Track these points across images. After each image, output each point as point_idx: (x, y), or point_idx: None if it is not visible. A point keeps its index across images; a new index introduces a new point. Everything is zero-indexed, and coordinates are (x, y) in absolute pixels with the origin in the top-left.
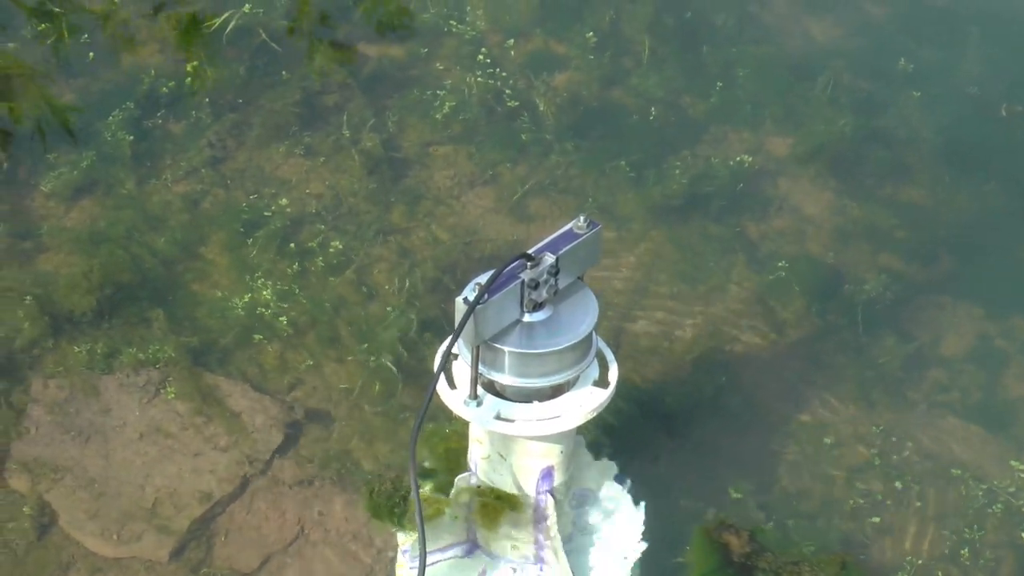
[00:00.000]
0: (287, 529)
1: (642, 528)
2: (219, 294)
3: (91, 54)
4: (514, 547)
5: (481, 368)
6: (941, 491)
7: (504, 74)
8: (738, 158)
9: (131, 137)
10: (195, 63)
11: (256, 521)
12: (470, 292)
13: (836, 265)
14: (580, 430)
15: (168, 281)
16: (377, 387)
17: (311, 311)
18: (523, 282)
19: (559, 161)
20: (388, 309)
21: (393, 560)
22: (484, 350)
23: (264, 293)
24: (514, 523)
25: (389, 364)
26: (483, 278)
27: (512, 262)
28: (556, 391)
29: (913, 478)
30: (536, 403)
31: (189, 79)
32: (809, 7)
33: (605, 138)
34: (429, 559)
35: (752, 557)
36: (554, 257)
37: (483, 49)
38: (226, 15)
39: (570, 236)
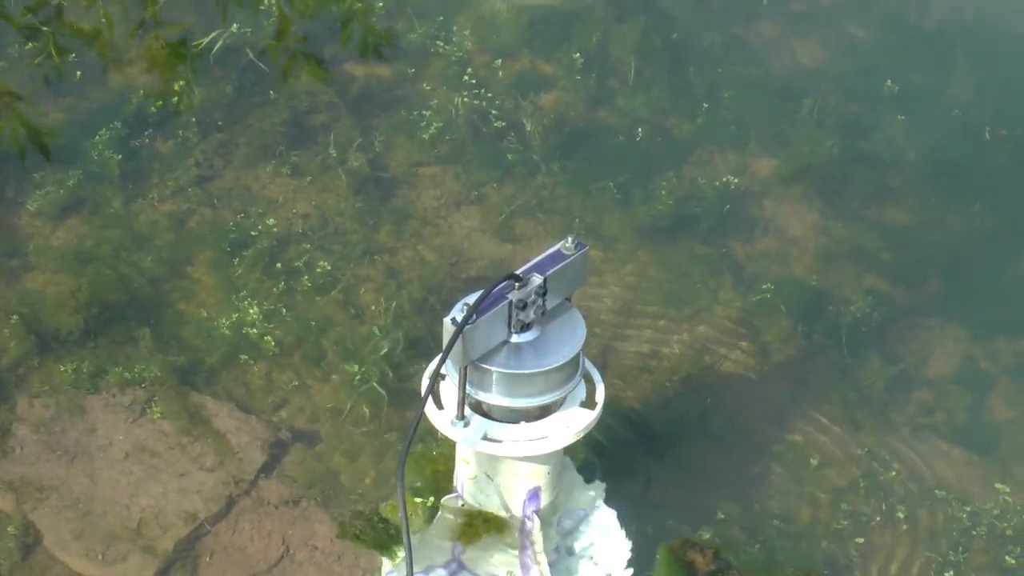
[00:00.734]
0: (272, 550)
1: (629, 554)
2: (205, 313)
3: (78, 73)
4: (500, 568)
5: (468, 388)
6: (926, 513)
7: (490, 95)
8: (724, 179)
9: (119, 156)
10: (182, 83)
11: (241, 541)
12: (458, 312)
13: (821, 286)
14: (568, 451)
15: (155, 300)
16: (363, 407)
17: (297, 331)
18: (511, 303)
19: (546, 181)
20: (374, 329)
21: None
22: (471, 370)
23: (250, 313)
24: (500, 544)
25: (375, 384)
26: (471, 298)
27: (500, 282)
28: (543, 411)
29: (898, 500)
30: (523, 423)
31: (176, 99)
32: (795, 29)
33: (592, 159)
34: None
35: (717, 575)
36: (542, 278)
37: (469, 69)
38: (213, 35)
39: (558, 257)
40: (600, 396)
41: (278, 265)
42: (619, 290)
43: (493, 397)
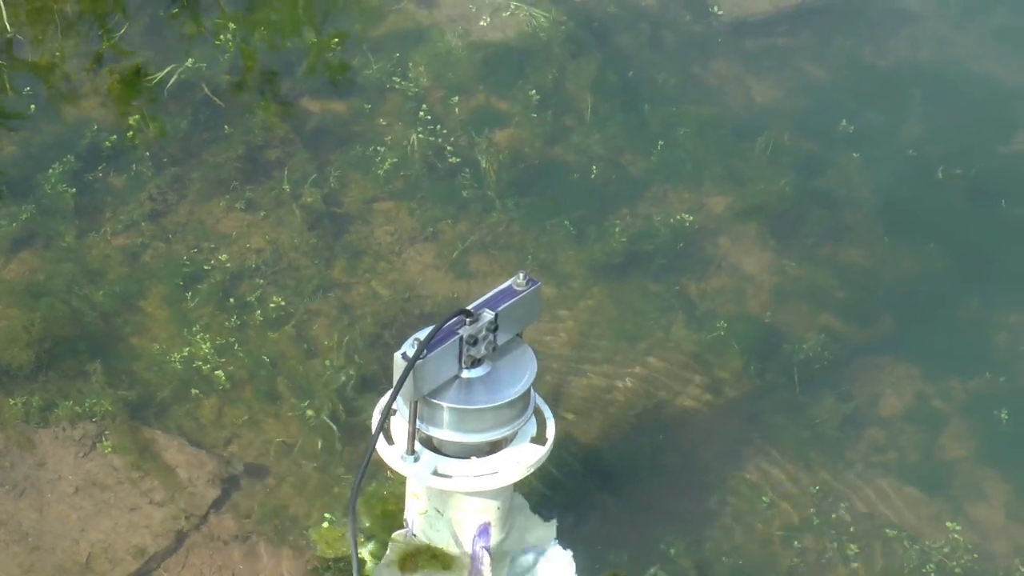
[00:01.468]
0: None
1: None
2: (157, 347)
3: (32, 106)
4: None
5: (419, 424)
6: (877, 551)
7: (446, 131)
8: (679, 216)
9: (72, 190)
10: (137, 117)
11: None
12: (409, 347)
13: (775, 324)
14: (520, 487)
15: (107, 334)
16: (315, 442)
17: (249, 365)
18: (462, 338)
19: (500, 218)
20: (327, 364)
21: None
22: (422, 405)
23: (203, 347)
24: None
25: (327, 419)
26: (422, 334)
27: (451, 318)
28: (494, 447)
29: (849, 538)
30: (474, 459)
31: (131, 133)
32: (750, 68)
33: (546, 195)
34: None
35: None
36: (493, 314)
37: (425, 106)
38: (168, 69)
39: (509, 293)
40: (551, 432)
41: (231, 300)
42: (573, 326)
43: (444, 432)
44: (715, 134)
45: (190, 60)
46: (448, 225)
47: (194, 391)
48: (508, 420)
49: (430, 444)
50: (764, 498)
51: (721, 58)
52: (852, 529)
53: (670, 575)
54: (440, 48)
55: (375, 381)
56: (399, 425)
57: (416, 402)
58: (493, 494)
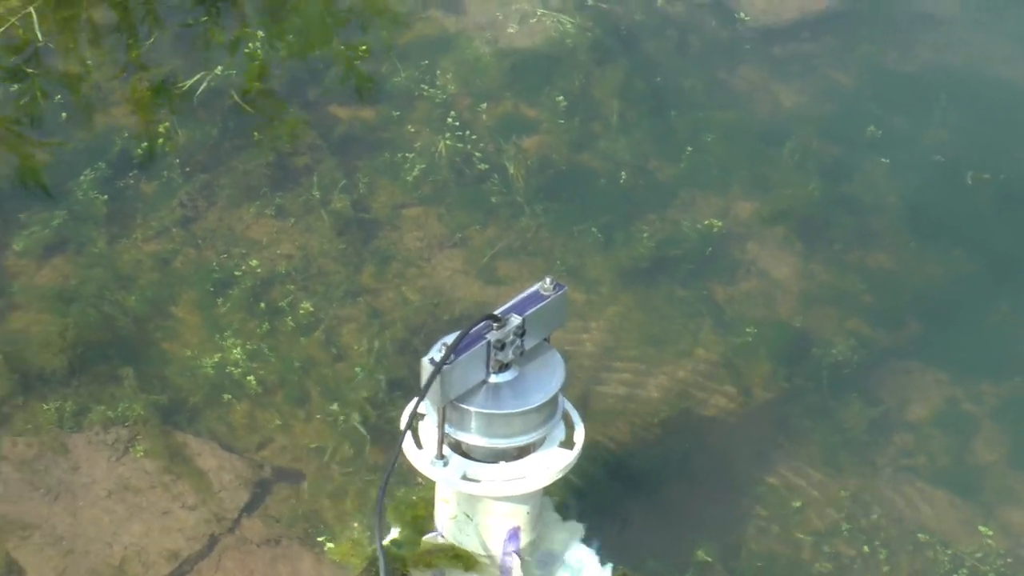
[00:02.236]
0: None
1: None
2: (189, 353)
3: (64, 114)
4: None
5: (447, 428)
6: (908, 556)
7: (474, 137)
8: (706, 222)
9: (104, 196)
10: (167, 124)
11: None
12: (436, 352)
13: (803, 329)
14: (548, 491)
15: (138, 339)
16: (345, 447)
17: (280, 370)
18: (489, 343)
19: (528, 224)
20: (357, 369)
21: None
22: (450, 410)
23: (234, 352)
24: None
25: (357, 424)
26: (449, 339)
27: (478, 323)
28: (522, 452)
29: (880, 543)
30: (503, 463)
31: (161, 140)
32: (777, 74)
33: (574, 201)
34: None
35: None
36: (520, 318)
37: (453, 112)
38: (197, 77)
39: (536, 298)
40: (580, 436)
41: (262, 305)
42: (600, 333)
43: (472, 437)
44: (742, 139)
45: (219, 68)
46: (476, 231)
47: (226, 396)
48: (536, 425)
49: (459, 449)
50: (794, 503)
51: (748, 64)
52: (883, 534)
53: None
54: (468, 55)
55: (405, 386)
56: (428, 430)
57: (444, 407)
58: (522, 498)
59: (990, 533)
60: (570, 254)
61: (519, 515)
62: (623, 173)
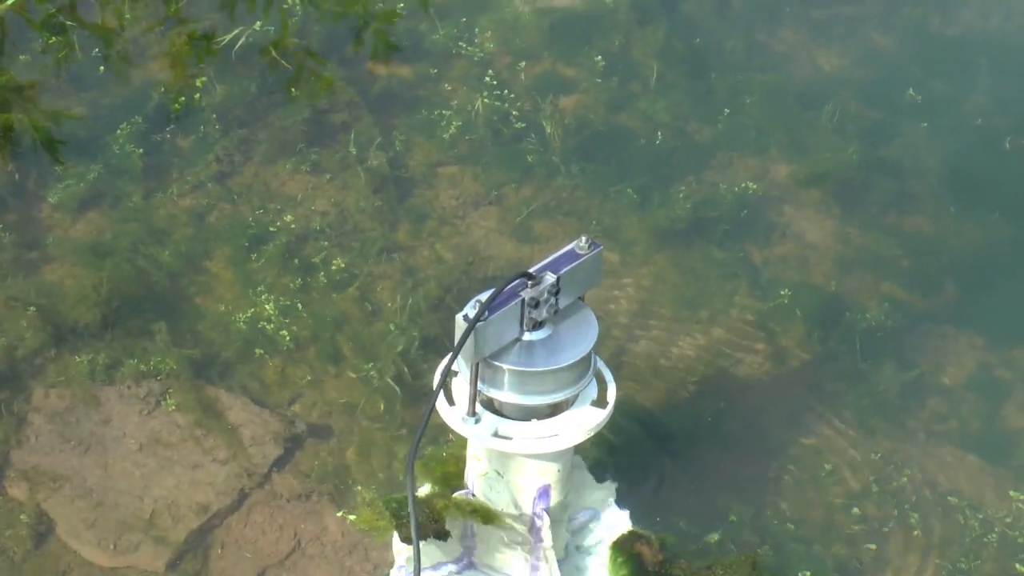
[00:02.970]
0: (283, 543)
1: None
2: (222, 308)
3: (101, 68)
4: (510, 566)
5: (480, 385)
6: (938, 520)
7: (512, 96)
8: (743, 184)
9: (139, 150)
10: (204, 79)
11: (253, 534)
12: (470, 309)
13: (838, 292)
14: (580, 451)
15: (172, 294)
16: (378, 403)
17: (313, 327)
18: (523, 301)
19: (564, 183)
20: (390, 326)
21: None
22: (483, 367)
23: (267, 308)
24: (510, 542)
25: (390, 381)
26: (484, 296)
27: (513, 280)
28: (555, 410)
29: (911, 506)
30: (534, 421)
31: (198, 95)
32: (816, 36)
33: (611, 161)
34: None
35: (665, 565)
36: (555, 277)
37: (491, 71)
38: (236, 32)
39: (571, 256)
40: (612, 395)
41: (295, 261)
42: (635, 292)
43: (504, 394)
44: (781, 102)
45: (258, 23)
46: (512, 190)
47: (258, 351)
48: (569, 383)
49: (491, 406)
50: (826, 465)
51: (788, 26)
52: (914, 497)
53: (732, 541)
54: (507, 14)
55: (438, 344)
56: (460, 387)
57: (477, 364)
58: (553, 456)
59: (1021, 498)
60: (606, 215)
61: (550, 473)
62: (660, 134)
